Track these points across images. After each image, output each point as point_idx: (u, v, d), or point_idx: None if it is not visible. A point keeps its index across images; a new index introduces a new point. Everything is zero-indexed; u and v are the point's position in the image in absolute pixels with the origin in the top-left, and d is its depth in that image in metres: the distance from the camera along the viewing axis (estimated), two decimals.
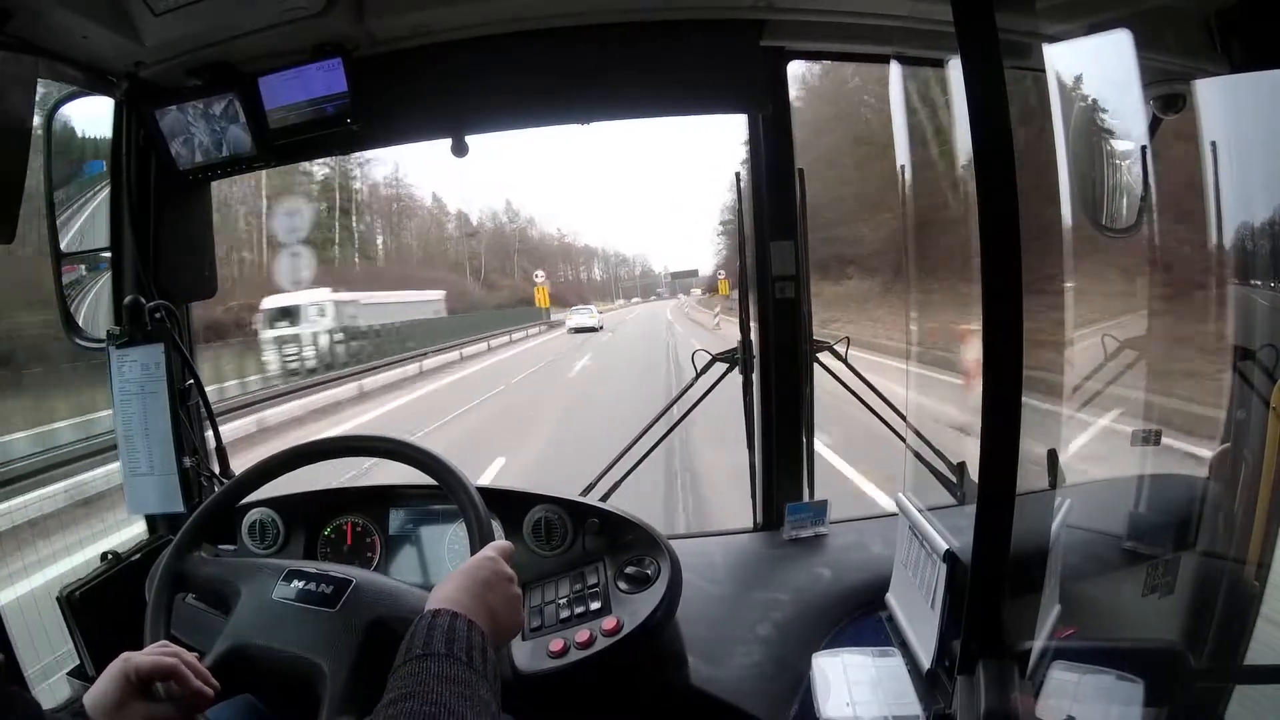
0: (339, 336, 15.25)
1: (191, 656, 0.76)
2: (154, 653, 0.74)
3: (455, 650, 0.60)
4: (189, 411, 1.32)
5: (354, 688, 0.74)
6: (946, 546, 0.95)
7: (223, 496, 0.98)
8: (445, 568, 1.21)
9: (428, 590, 0.74)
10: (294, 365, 14.33)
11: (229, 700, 0.90)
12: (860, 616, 1.18)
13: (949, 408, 1.38)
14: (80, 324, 1.32)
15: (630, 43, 1.27)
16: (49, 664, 1.18)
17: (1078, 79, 1.06)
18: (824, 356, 1.45)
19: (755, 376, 1.47)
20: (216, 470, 1.35)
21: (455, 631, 0.62)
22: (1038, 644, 0.87)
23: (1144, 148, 1.21)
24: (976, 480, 0.74)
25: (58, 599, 1.11)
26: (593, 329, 23.04)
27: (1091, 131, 1.16)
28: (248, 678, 0.85)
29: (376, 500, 1.26)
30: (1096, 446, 1.38)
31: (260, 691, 0.94)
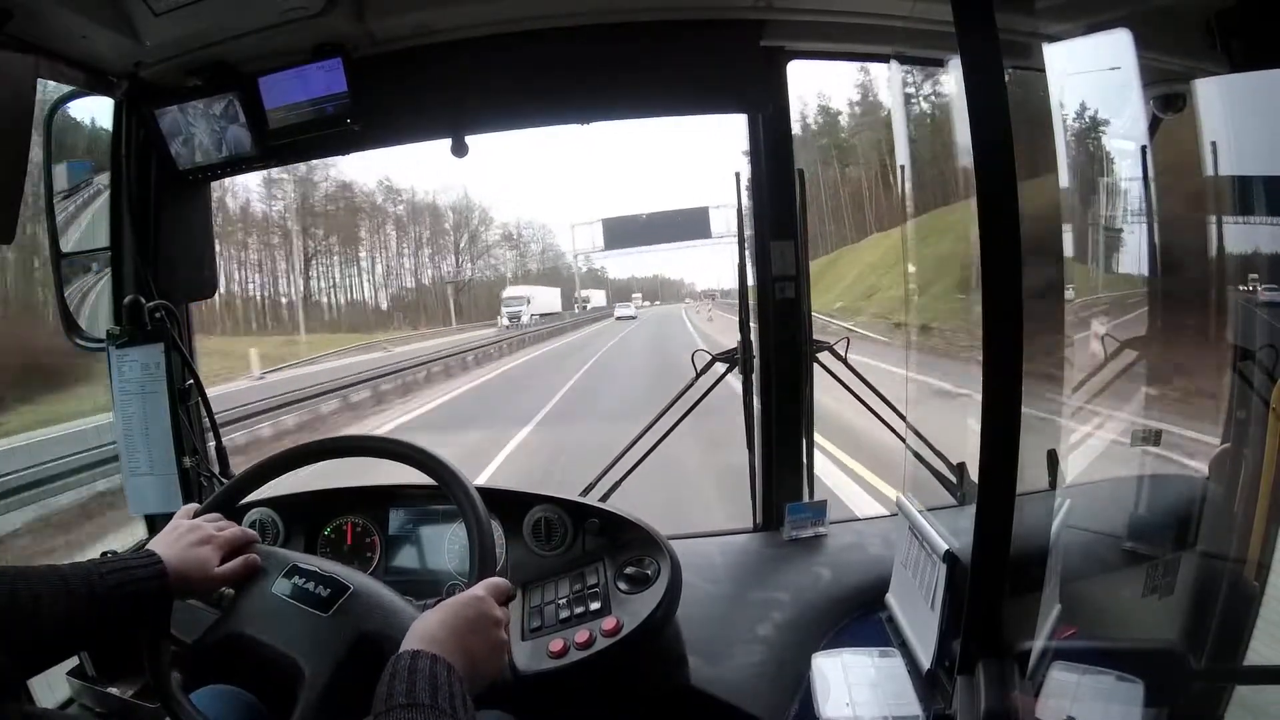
0: None
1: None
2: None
3: (439, 701, 0.59)
4: (189, 411, 1.32)
5: (329, 697, 0.72)
6: (946, 547, 0.95)
7: (222, 496, 0.97)
8: (445, 568, 1.21)
9: (424, 608, 0.74)
10: None
11: (221, 690, 0.90)
12: (860, 617, 1.18)
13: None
14: (80, 324, 1.32)
15: (630, 43, 1.27)
16: None
17: (1078, 79, 1.05)
18: (823, 356, 1.45)
19: (755, 377, 1.47)
20: (216, 470, 1.35)
21: (437, 678, 0.61)
22: (1038, 644, 0.87)
23: (1144, 148, 1.21)
24: (976, 480, 0.74)
25: None
26: (632, 317, 34.71)
27: (1091, 131, 1.16)
28: (237, 666, 0.84)
29: (376, 500, 1.26)
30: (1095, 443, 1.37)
31: (248, 683, 0.93)
